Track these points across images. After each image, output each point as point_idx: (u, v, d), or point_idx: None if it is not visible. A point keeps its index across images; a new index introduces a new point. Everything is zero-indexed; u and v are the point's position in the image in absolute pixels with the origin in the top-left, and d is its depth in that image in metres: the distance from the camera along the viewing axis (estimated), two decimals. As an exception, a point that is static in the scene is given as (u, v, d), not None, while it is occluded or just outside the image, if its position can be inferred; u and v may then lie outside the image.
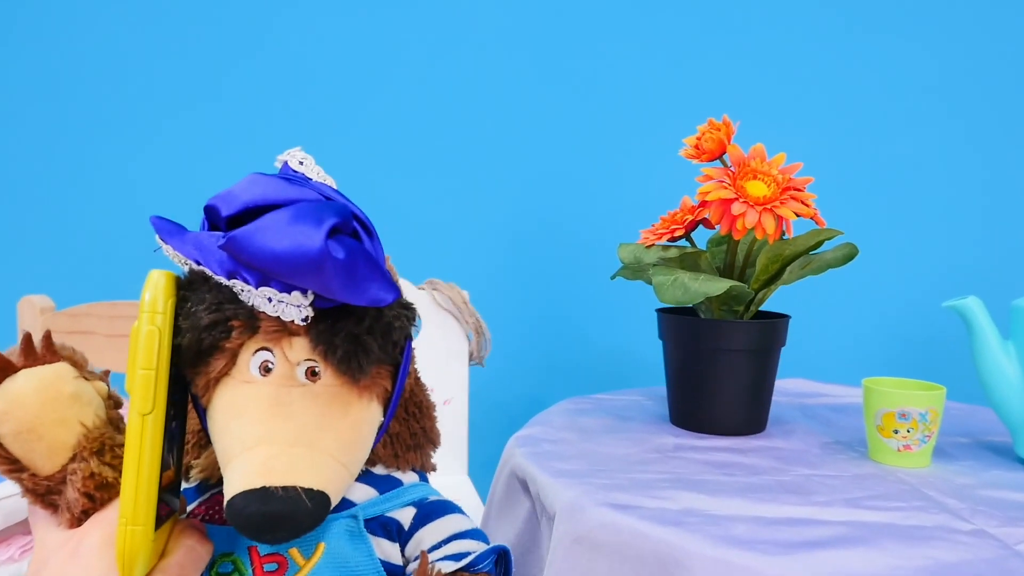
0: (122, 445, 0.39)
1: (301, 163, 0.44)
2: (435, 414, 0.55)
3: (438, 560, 0.45)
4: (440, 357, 1.12)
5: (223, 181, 0.43)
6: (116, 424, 0.41)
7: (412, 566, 0.46)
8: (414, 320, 0.46)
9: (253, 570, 0.43)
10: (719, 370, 0.81)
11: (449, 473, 1.13)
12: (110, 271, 1.41)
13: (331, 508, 0.40)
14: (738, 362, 0.81)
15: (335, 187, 0.44)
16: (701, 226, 0.84)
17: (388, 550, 0.46)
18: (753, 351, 0.81)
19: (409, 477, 0.51)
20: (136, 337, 0.38)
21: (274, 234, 0.37)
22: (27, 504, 0.41)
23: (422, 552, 0.45)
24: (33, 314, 1.30)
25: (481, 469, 1.25)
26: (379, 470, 0.49)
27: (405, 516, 0.48)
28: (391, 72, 1.35)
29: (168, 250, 0.41)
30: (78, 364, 0.41)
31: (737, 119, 0.81)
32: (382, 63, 1.35)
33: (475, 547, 0.47)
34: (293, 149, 0.44)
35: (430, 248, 1.32)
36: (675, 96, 1.33)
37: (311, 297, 0.39)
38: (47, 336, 0.40)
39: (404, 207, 1.31)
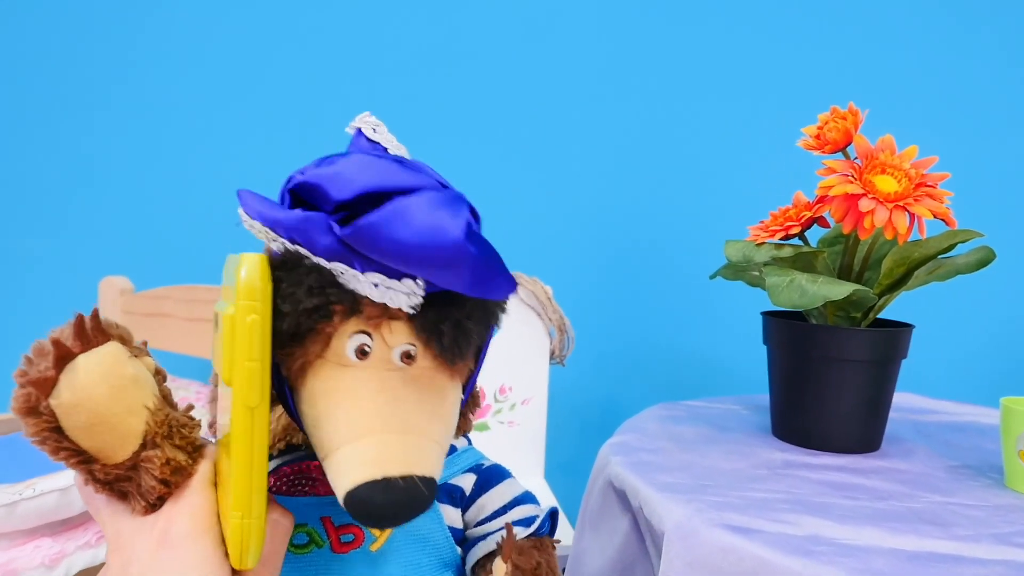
0: (185, 424, 0.39)
1: (375, 130, 0.42)
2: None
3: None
4: (520, 355, 1.08)
5: (300, 164, 0.41)
6: (169, 400, 0.40)
7: (474, 530, 0.49)
8: (507, 308, 0.44)
9: (330, 541, 0.44)
10: (834, 382, 0.74)
11: (525, 475, 1.09)
12: (189, 255, 1.42)
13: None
14: (855, 374, 0.74)
15: (409, 157, 0.42)
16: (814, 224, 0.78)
17: (452, 515, 0.48)
18: (873, 362, 0.74)
19: (460, 442, 0.52)
20: (234, 326, 0.35)
21: (406, 225, 0.34)
22: (84, 492, 0.39)
23: (507, 525, 0.46)
24: (113, 295, 1.31)
25: (557, 472, 1.20)
26: None
27: (466, 482, 0.50)
28: (474, 56, 1.31)
29: (255, 225, 0.39)
30: (126, 341, 0.39)
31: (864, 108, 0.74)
32: (465, 47, 1.31)
33: (535, 511, 0.50)
34: (365, 114, 0.42)
35: (512, 241, 1.27)
36: (777, 85, 1.25)
37: (422, 285, 0.38)
38: (95, 315, 0.37)
39: (485, 197, 1.27)
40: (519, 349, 1.08)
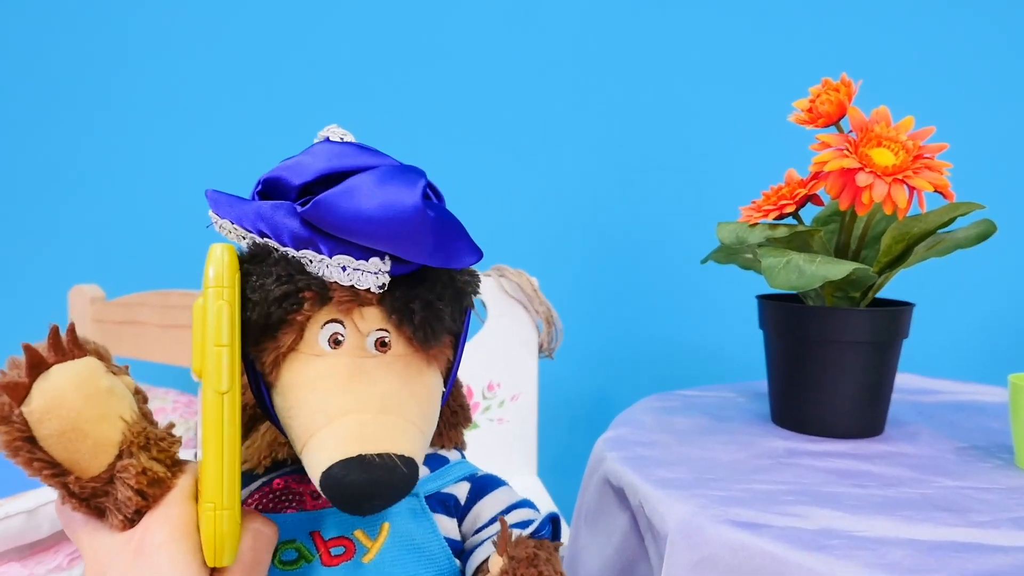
0: (164, 439, 0.38)
1: (342, 139, 0.41)
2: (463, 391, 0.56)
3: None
4: (508, 349, 1.04)
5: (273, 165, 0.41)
6: (149, 418, 0.39)
7: (473, 539, 0.47)
8: (479, 287, 0.44)
9: (320, 555, 0.43)
10: (834, 365, 0.71)
11: (517, 473, 1.06)
12: (162, 260, 1.37)
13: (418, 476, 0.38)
14: (856, 356, 0.71)
15: None
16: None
17: (447, 525, 0.47)
18: (873, 344, 0.71)
19: (452, 455, 0.52)
20: (203, 314, 0.36)
21: (365, 196, 0.36)
22: (61, 512, 0.38)
23: (501, 519, 0.44)
24: (83, 304, 1.26)
25: (550, 469, 1.17)
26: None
27: (460, 491, 0.49)
28: (454, 49, 1.27)
29: (225, 224, 0.40)
30: (103, 358, 0.38)
31: (858, 79, 0.71)
32: (446, 40, 1.28)
33: (533, 515, 0.49)
34: (331, 126, 0.42)
35: (497, 232, 1.24)
36: (759, 66, 1.23)
37: (389, 263, 0.38)
38: (71, 329, 0.37)
39: (468, 190, 1.24)
40: (506, 344, 1.04)
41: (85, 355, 0.37)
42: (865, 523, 0.51)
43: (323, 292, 0.38)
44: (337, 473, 0.35)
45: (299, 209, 0.37)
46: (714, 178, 1.22)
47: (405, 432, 0.38)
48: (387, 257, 0.38)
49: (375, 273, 0.38)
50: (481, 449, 0.55)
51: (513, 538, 0.43)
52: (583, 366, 1.26)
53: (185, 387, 1.22)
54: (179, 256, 1.36)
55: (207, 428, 0.35)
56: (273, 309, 0.37)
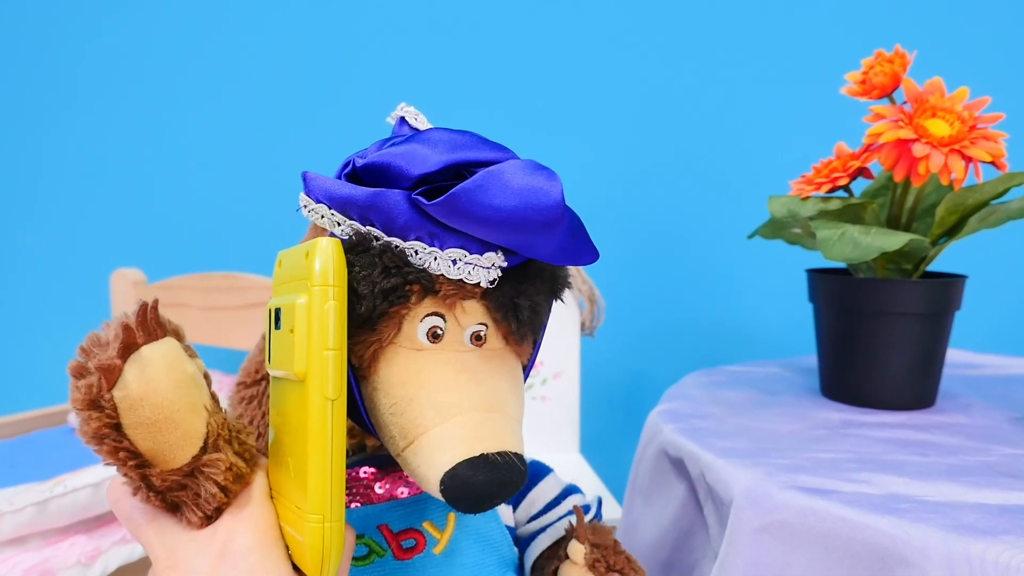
0: (242, 431, 0.37)
1: (416, 119, 0.40)
2: None
3: (563, 516, 0.49)
4: (551, 328, 1.04)
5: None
6: (218, 403, 0.36)
7: (528, 527, 0.49)
8: (570, 283, 0.43)
9: (392, 549, 0.43)
10: (887, 336, 0.72)
11: (561, 450, 1.07)
12: (201, 242, 1.39)
13: None
14: (909, 327, 0.71)
15: None
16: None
17: (506, 513, 0.48)
18: (927, 315, 0.71)
19: None
20: (310, 314, 0.33)
21: (505, 189, 0.33)
22: (122, 503, 0.36)
23: (576, 508, 0.46)
24: (125, 287, 1.28)
25: (592, 446, 1.18)
26: None
27: None
28: (497, 24, 1.28)
29: (320, 209, 0.37)
30: (180, 337, 0.36)
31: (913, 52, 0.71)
32: (488, 16, 1.28)
33: (587, 500, 0.50)
34: (403, 104, 0.41)
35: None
36: (799, 48, 1.22)
37: (503, 258, 0.37)
38: (154, 306, 0.34)
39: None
40: (549, 322, 1.05)
41: (166, 335, 0.34)
42: (932, 488, 0.52)
43: (428, 285, 0.37)
44: (464, 473, 0.34)
45: (424, 203, 0.35)
46: (754, 158, 1.22)
47: (513, 429, 0.38)
48: (501, 251, 0.37)
49: (488, 268, 0.37)
50: (525, 427, 0.55)
51: (590, 524, 0.44)
52: (624, 344, 1.27)
53: (228, 368, 1.24)
54: (220, 239, 1.38)
55: (313, 436, 0.33)
56: (379, 302, 0.36)
